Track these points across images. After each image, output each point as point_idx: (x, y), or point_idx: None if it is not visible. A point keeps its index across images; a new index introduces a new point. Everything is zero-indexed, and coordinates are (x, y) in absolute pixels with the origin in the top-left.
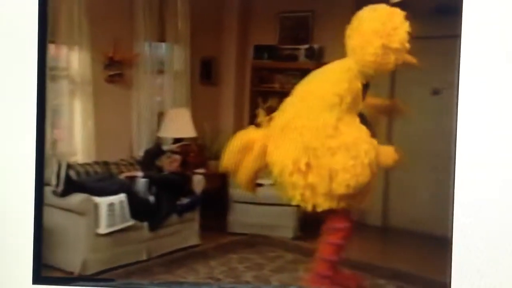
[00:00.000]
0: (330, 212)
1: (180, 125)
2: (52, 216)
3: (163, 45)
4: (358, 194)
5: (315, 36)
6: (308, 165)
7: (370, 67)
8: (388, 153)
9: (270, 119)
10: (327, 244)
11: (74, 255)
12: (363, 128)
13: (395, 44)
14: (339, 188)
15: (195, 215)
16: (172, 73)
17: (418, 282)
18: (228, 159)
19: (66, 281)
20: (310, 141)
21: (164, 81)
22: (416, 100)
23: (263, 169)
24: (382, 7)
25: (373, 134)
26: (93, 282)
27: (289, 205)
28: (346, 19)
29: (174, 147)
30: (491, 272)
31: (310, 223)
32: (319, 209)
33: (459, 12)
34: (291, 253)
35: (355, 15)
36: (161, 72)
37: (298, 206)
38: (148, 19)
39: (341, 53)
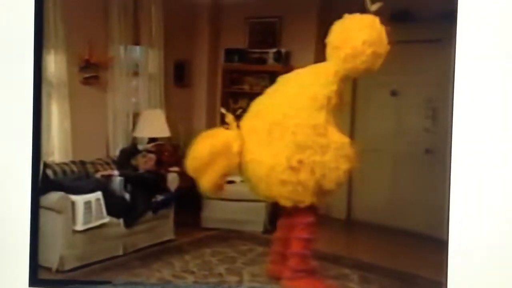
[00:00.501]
0: (298, 208)
1: (154, 125)
2: None
3: (138, 48)
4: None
5: (283, 41)
6: (300, 162)
7: (360, 73)
8: None
9: (239, 120)
10: (298, 239)
11: (52, 251)
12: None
13: (383, 49)
14: (330, 184)
15: (170, 212)
16: (147, 75)
17: (380, 272)
18: (198, 160)
19: (62, 283)
20: (303, 139)
21: (139, 83)
22: (376, 101)
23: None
24: (364, 16)
25: None
26: (89, 285)
27: (260, 201)
28: (312, 25)
29: (149, 146)
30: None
31: (279, 217)
32: (302, 205)
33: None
34: (262, 246)
35: (334, 24)
36: (136, 74)
37: (265, 201)
38: (123, 23)
39: (307, 57)
